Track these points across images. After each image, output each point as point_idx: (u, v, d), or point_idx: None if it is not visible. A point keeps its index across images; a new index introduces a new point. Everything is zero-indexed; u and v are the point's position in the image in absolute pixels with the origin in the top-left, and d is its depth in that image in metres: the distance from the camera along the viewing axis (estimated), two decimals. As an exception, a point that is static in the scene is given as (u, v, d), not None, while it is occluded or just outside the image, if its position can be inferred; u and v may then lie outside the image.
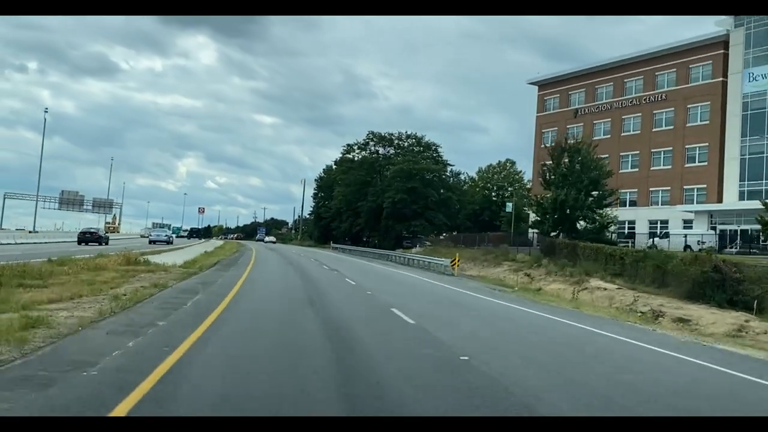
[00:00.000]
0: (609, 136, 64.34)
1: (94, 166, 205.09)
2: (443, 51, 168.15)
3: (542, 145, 62.10)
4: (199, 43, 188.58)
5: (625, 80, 64.50)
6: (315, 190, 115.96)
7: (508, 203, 74.24)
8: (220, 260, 37.15)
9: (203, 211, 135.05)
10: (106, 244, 53.43)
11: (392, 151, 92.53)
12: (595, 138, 59.14)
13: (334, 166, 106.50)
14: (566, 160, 46.71)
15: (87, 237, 54.04)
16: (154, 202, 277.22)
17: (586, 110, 68.03)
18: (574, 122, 68.15)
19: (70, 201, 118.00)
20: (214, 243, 75.77)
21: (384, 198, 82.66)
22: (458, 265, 40.75)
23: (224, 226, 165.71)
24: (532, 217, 54.69)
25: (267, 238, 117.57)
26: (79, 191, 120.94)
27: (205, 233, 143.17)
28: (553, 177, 47.14)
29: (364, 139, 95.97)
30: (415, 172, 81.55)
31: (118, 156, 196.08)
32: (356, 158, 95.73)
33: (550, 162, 48.39)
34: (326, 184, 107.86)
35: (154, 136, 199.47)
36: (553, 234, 45.65)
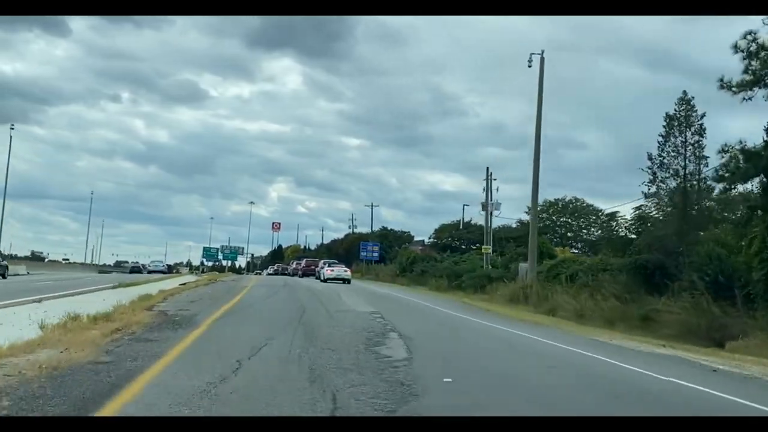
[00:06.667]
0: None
1: (190, 193, 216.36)
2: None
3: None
4: (284, 67, 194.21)
5: None
6: None
7: None
8: None
9: (278, 228, 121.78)
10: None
11: None
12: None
13: None
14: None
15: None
16: (244, 228, 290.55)
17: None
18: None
19: None
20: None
21: None
22: None
23: (303, 246, 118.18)
24: None
25: (328, 270, 47.00)
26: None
27: (273, 257, 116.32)
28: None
29: None
30: None
31: (211, 183, 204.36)
32: None
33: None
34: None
35: (244, 162, 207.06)
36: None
